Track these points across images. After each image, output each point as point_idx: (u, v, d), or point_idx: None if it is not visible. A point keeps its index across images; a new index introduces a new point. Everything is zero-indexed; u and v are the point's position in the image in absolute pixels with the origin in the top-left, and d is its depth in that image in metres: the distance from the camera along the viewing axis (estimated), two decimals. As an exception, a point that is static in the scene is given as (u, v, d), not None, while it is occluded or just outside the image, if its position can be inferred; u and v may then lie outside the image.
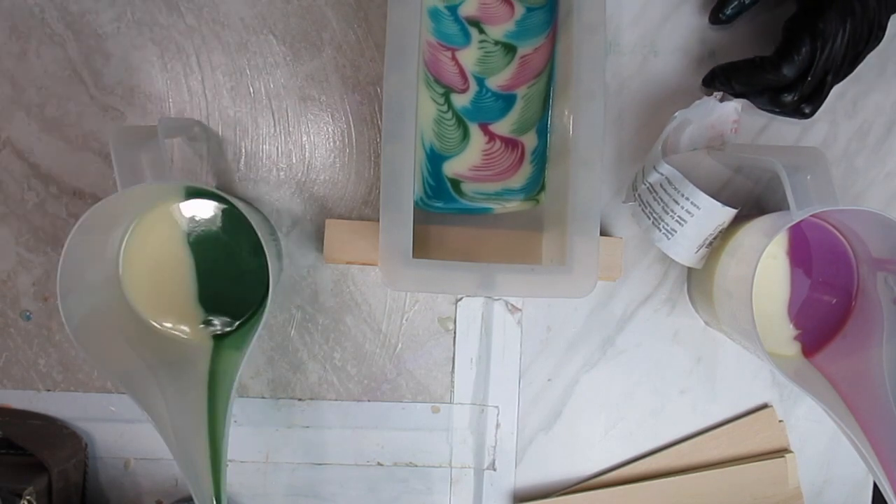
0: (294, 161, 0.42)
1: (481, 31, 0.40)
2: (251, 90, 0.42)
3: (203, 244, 0.39)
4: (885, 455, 0.33)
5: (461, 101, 0.40)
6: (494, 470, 0.44)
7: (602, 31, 0.36)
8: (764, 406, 0.45)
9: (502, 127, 0.40)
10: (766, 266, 0.41)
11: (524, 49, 0.40)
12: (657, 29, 0.43)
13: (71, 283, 0.34)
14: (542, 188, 0.41)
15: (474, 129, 0.40)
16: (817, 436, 0.46)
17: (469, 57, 0.40)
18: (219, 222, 0.39)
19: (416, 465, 0.44)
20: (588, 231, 0.35)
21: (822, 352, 0.41)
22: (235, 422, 0.43)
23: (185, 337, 0.39)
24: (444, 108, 0.40)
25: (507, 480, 0.44)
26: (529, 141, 0.41)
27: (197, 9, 0.41)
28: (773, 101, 0.39)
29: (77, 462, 0.41)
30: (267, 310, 0.34)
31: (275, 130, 0.42)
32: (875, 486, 0.46)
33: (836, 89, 0.44)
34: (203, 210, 0.39)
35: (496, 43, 0.40)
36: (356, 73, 0.42)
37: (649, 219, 0.40)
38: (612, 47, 0.43)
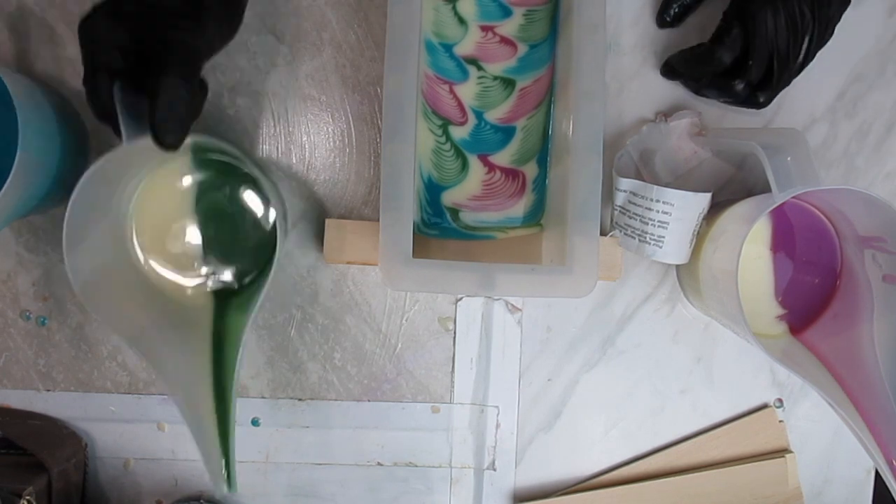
0: (294, 161, 0.42)
1: (479, 69, 0.40)
2: (251, 90, 0.42)
3: (210, 200, 0.40)
4: (877, 431, 0.33)
5: (460, 133, 0.40)
6: (494, 470, 0.44)
7: (602, 31, 0.36)
8: (764, 406, 0.45)
9: (502, 158, 0.40)
10: (749, 250, 0.41)
11: (523, 83, 0.40)
12: (657, 29, 0.43)
13: (77, 236, 0.33)
14: (544, 213, 0.40)
15: (473, 161, 0.40)
16: (817, 436, 0.46)
17: (467, 91, 0.40)
18: (226, 178, 0.40)
19: (416, 465, 0.44)
20: (588, 231, 0.35)
21: (809, 330, 0.41)
22: (235, 422, 0.43)
23: (190, 292, 0.40)
24: (443, 139, 0.39)
25: (507, 480, 0.44)
26: (530, 170, 0.40)
27: (197, 9, 0.41)
28: (726, 89, 0.39)
29: (77, 462, 0.41)
30: (274, 266, 0.35)
31: (275, 130, 0.42)
32: (875, 486, 0.46)
33: (835, 89, 0.45)
34: (210, 166, 0.40)
35: (495, 78, 0.40)
36: (356, 73, 0.42)
37: (635, 238, 0.40)
38: (612, 47, 0.43)
